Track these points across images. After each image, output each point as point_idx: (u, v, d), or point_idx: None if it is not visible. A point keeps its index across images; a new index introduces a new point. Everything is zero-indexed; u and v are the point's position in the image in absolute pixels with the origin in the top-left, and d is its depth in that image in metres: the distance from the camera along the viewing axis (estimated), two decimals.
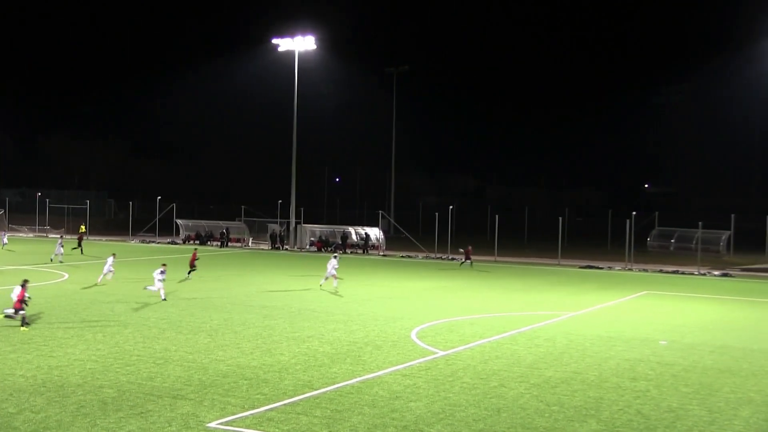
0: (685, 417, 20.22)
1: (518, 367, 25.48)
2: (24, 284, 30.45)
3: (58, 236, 70.79)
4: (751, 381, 24.58)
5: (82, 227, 76.32)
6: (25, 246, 74.52)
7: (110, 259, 45.77)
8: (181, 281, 46.54)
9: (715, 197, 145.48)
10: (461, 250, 66.02)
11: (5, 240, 72.20)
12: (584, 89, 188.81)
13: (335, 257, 46.32)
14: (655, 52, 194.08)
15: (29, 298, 30.56)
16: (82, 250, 64.88)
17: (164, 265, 39.87)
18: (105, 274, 44.96)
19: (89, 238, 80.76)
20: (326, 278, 45.73)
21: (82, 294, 40.43)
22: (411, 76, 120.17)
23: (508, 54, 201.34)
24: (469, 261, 63.94)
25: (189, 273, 48.65)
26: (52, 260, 57.72)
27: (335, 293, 43.30)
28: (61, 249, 58.35)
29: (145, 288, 39.80)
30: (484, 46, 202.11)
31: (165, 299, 38.01)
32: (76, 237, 70.23)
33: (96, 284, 43.97)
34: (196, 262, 49.38)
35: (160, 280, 38.62)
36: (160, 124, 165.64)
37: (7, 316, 29.83)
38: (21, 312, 29.74)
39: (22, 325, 29.59)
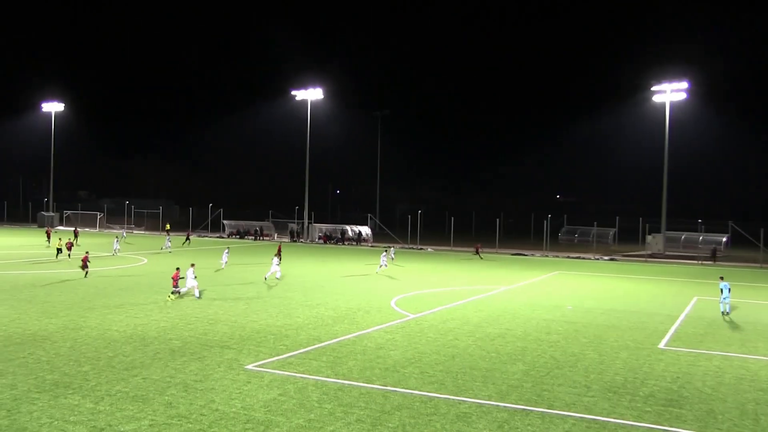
0: (583, 359, 20.48)
1: (467, 325, 25.64)
2: (178, 269, 30.90)
3: (165, 233, 69.65)
4: (627, 333, 24.88)
5: (168, 225, 76.25)
6: (135, 240, 74.10)
7: (226, 251, 45.86)
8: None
9: (606, 204, 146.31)
10: (474, 247, 65.60)
11: (124, 234, 73.09)
12: (514, 130, 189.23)
13: (386, 250, 45.84)
14: (565, 94, 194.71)
15: (182, 278, 30.90)
16: (189, 242, 66.23)
17: (278, 257, 38.86)
18: (223, 263, 44.51)
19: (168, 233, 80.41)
20: (381, 266, 44.29)
21: (159, 275, 40.31)
22: (391, 117, 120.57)
23: (464, 100, 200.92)
24: (478, 255, 59.56)
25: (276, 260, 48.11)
26: (162, 249, 57.25)
27: (389, 276, 42.86)
28: (168, 243, 57.48)
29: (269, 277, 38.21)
30: (446, 95, 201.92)
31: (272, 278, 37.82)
32: (184, 234, 70.54)
33: (220, 269, 43.24)
34: (282, 253, 48.81)
35: (277, 264, 38.35)
36: (212, 151, 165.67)
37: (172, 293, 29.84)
38: (176, 288, 29.82)
39: (172, 293, 29.66)
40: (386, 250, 45.57)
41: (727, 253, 69.58)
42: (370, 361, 19.34)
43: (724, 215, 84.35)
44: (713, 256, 63.43)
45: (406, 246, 72.36)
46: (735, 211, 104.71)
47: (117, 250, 53.08)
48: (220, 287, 34.59)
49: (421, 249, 70.29)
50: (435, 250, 69.99)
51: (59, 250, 48.52)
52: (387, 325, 25.25)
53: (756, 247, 62.95)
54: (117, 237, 58.05)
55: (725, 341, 23.91)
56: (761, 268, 57.17)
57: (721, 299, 29.60)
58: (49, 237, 62.77)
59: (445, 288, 37.56)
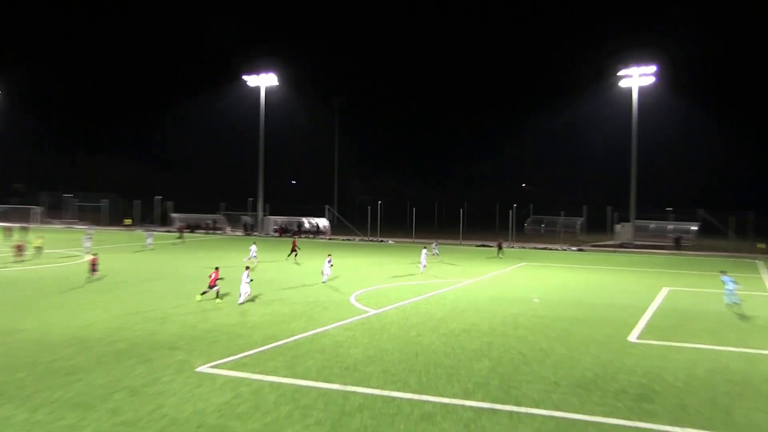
0: (552, 354, 20.64)
1: (431, 321, 25.67)
2: (217, 269, 30.41)
3: (143, 230, 67.86)
4: (597, 326, 25.19)
5: (130, 220, 74.62)
6: (101, 236, 72.51)
7: (253, 247, 46.24)
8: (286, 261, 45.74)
9: (572, 194, 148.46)
10: (496, 244, 65.61)
11: (91, 231, 61.70)
12: (478, 118, 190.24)
13: (426, 247, 44.71)
14: (530, 81, 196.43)
15: (222, 279, 30.50)
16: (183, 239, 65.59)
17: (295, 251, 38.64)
18: (251, 258, 44.70)
19: (105, 229, 78.90)
20: (422, 266, 41.96)
21: (122, 273, 39.48)
22: (349, 104, 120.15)
23: (424, 89, 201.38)
24: (501, 251, 54.73)
25: (293, 255, 48.11)
26: (145, 247, 54.47)
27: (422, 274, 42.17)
28: (150, 240, 54.93)
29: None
30: (405, 82, 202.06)
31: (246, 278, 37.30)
32: (176, 230, 69.58)
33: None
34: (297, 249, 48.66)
35: (330, 265, 37.18)
36: (160, 141, 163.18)
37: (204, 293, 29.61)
38: (215, 288, 29.30)
39: (217, 297, 29.23)
40: (426, 247, 43.08)
41: (697, 242, 71.11)
42: (329, 360, 19.21)
43: (694, 203, 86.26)
44: (677, 245, 64.74)
45: (366, 239, 72.30)
46: (705, 199, 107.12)
47: (87, 249, 50.28)
48: (171, 283, 34.04)
49: (381, 242, 70.28)
50: (396, 242, 70.04)
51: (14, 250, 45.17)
52: (347, 321, 25.14)
53: (726, 236, 64.49)
54: (86, 234, 56.23)
55: (696, 333, 24.36)
56: (730, 256, 58.56)
57: (726, 291, 29.96)
58: None
59: (407, 282, 37.56)
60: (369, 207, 75.21)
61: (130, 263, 43.92)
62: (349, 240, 72.68)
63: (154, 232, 63.86)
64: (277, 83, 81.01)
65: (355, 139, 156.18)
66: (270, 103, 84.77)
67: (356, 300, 30.42)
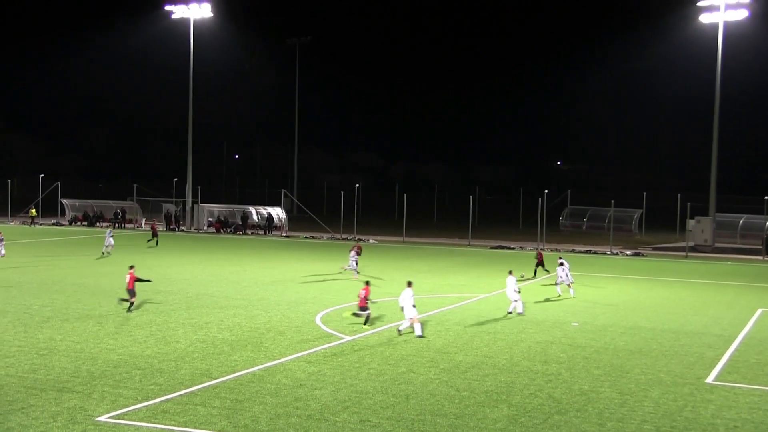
0: (596, 399, 20.73)
1: (427, 351, 25.69)
2: (368, 283, 30.97)
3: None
4: (660, 361, 25.33)
5: (33, 211, 74.71)
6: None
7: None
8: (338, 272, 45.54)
9: (626, 175, 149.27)
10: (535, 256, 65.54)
11: None
12: (494, 65, 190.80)
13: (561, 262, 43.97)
14: (564, 31, 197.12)
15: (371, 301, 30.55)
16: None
17: None
18: (106, 247, 46.38)
19: None
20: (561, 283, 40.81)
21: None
22: (314, 48, 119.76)
23: (417, 30, 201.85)
24: (541, 266, 49.78)
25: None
26: (104, 251, 53.69)
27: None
28: (111, 240, 53.13)
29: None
30: (393, 19, 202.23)
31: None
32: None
33: None
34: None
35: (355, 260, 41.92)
36: (46, 97, 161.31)
37: (355, 314, 30.11)
38: (366, 312, 29.83)
39: (364, 323, 29.65)
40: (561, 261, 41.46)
41: None
42: (285, 406, 19.18)
43: None
44: (766, 247, 65.15)
45: (338, 236, 72.34)
46: None
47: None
48: (57, 297, 33.86)
49: (360, 240, 70.32)
50: (379, 241, 70.11)
51: None
52: (310, 351, 25.11)
53: None
54: None
55: None
56: None
57: None
58: None
59: (394, 297, 37.47)
60: (342, 192, 75.14)
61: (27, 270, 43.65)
62: (313, 238, 72.65)
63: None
64: (212, 15, 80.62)
65: (324, 97, 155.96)
66: (203, 45, 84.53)
67: (323, 322, 30.34)
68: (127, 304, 31.40)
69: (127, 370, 22.13)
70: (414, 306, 28.27)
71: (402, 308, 28.37)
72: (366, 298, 29.74)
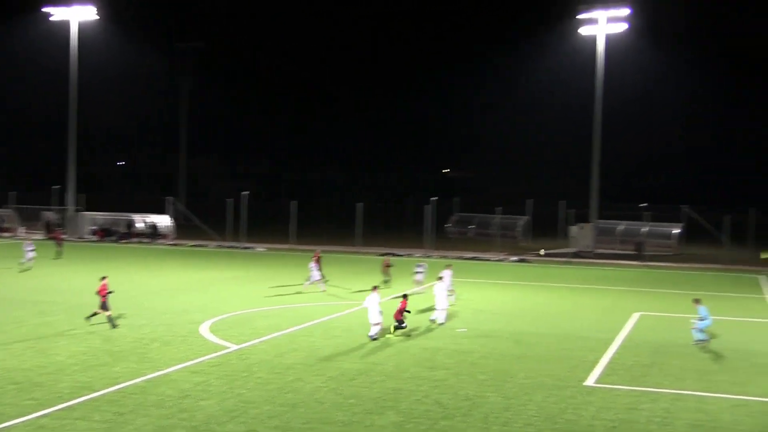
0: (481, 404, 21.01)
1: (315, 359, 25.69)
2: (405, 296, 30.95)
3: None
4: (544, 365, 25.85)
5: None
6: None
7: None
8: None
9: (512, 182, 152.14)
10: (541, 251, 65.98)
11: None
12: (383, 73, 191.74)
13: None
14: (451, 41, 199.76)
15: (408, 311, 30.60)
16: None
17: None
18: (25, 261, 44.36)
19: None
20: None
21: None
22: (204, 54, 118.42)
23: (308, 36, 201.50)
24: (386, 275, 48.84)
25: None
26: (23, 262, 51.00)
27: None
28: (31, 251, 50.58)
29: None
30: (283, 25, 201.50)
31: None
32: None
33: None
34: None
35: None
36: None
37: (397, 327, 30.08)
38: (403, 324, 30.02)
39: (395, 331, 29.97)
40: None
41: (680, 250, 73.96)
42: (169, 418, 18.93)
43: (677, 198, 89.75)
44: (639, 253, 67.13)
45: (225, 244, 71.67)
46: (691, 193, 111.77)
47: None
48: None
49: (247, 248, 69.82)
50: (268, 249, 69.75)
51: None
52: (196, 361, 24.88)
53: (720, 242, 67.27)
54: None
55: (676, 374, 25.35)
56: (724, 269, 61.17)
57: (695, 324, 30.50)
58: None
59: (282, 305, 37.42)
60: (231, 199, 74.46)
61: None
62: (201, 246, 71.79)
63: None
64: (96, 17, 78.84)
65: (214, 104, 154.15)
66: (87, 48, 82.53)
67: (210, 331, 30.07)
68: (96, 318, 30.19)
69: (1, 385, 21.45)
70: (380, 312, 29.23)
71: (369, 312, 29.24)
72: (402, 311, 30.04)
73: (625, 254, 69.48)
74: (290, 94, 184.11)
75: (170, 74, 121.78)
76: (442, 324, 32.79)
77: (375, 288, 30.32)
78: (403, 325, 30.16)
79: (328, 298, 40.09)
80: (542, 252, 62.84)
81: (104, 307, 30.07)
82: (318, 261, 44.82)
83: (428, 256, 65.79)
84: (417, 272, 44.15)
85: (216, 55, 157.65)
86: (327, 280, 44.87)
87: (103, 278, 30.84)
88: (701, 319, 29.70)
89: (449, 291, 38.21)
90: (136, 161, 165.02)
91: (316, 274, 42.57)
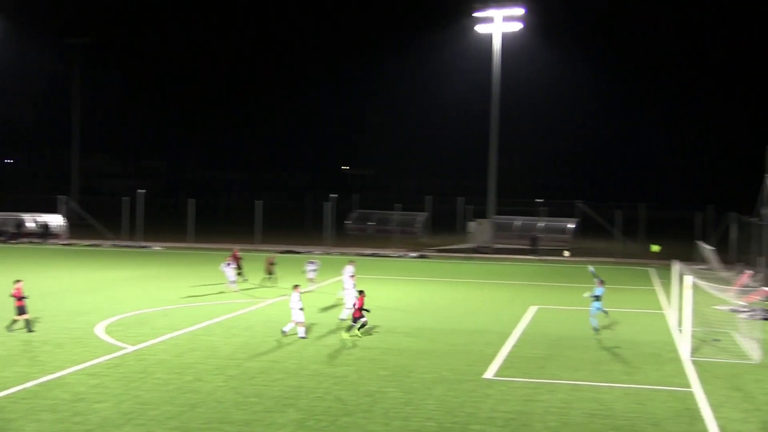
0: (382, 400, 21.10)
1: (215, 358, 25.46)
2: (362, 293, 29.91)
3: None
4: (444, 360, 26.12)
5: None
6: None
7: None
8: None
9: (411, 179, 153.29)
10: (566, 253, 65.17)
11: None
12: (281, 71, 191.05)
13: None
14: (349, 38, 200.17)
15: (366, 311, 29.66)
16: None
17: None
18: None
19: None
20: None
21: None
22: (96, 49, 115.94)
23: (204, 33, 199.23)
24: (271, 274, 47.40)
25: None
26: None
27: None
28: None
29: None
30: (178, 22, 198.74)
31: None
32: None
33: None
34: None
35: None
36: None
37: (352, 327, 29.39)
38: (362, 319, 29.24)
39: (359, 329, 29.30)
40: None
41: (575, 244, 75.51)
42: (62, 422, 18.54)
43: (572, 193, 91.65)
44: (534, 247, 68.46)
45: (121, 243, 70.42)
46: (585, 189, 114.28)
47: None
48: None
49: (144, 247, 68.73)
50: (166, 248, 68.79)
51: None
52: (91, 363, 24.42)
53: (613, 236, 68.92)
54: None
55: (572, 365, 25.90)
56: (617, 262, 62.71)
57: (591, 308, 31.27)
58: None
59: (181, 304, 36.98)
60: (127, 198, 73.16)
61: None
62: (95, 246, 70.36)
63: None
64: None
65: (107, 100, 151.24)
66: None
67: (106, 332, 29.55)
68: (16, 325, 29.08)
69: None
70: (301, 309, 28.83)
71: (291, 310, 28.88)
72: (360, 308, 29.35)
73: (522, 249, 70.63)
74: (187, 92, 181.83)
75: (61, 70, 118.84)
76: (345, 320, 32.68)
77: (296, 287, 29.76)
78: (363, 319, 29.48)
79: (230, 296, 39.69)
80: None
81: (21, 311, 29.04)
82: (237, 260, 44.63)
83: (328, 254, 65.75)
84: (309, 270, 43.86)
85: (107, 51, 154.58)
86: (246, 279, 44.78)
87: (17, 281, 29.74)
88: (596, 298, 30.50)
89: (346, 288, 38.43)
90: (26, 159, 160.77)
91: (230, 274, 41.64)
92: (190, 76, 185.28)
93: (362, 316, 29.53)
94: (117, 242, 70.99)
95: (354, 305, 29.94)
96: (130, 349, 26.72)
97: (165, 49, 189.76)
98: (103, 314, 33.42)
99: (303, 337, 28.89)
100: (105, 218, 79.00)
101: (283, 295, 40.47)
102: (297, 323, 29.07)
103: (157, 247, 68.95)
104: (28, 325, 29.16)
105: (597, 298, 31.04)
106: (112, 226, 76.24)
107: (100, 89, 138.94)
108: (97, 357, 25.34)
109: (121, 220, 73.40)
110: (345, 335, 29.22)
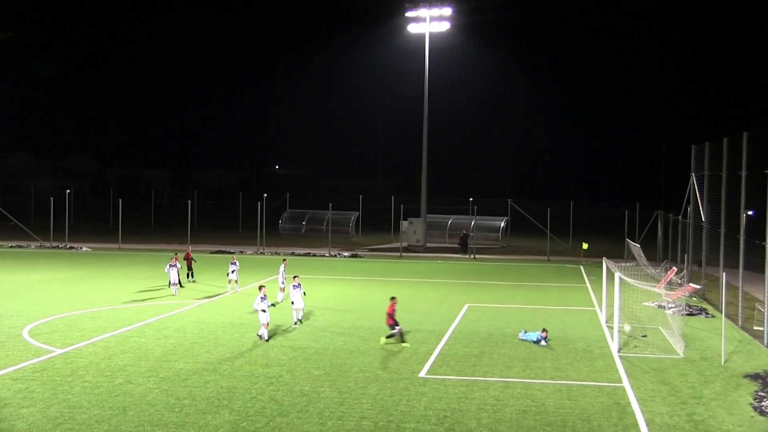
0: (317, 400, 21.13)
1: (146, 360, 25.22)
2: (393, 299, 29.85)
3: None
4: (378, 359, 26.24)
5: None
6: None
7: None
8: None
9: (343, 179, 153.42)
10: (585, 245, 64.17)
11: None
12: (212, 71, 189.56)
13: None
14: (281, 38, 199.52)
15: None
16: None
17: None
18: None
19: None
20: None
21: None
22: (15, 45, 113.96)
23: (131, 29, 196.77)
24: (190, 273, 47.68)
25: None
26: None
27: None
28: None
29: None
30: (101, 16, 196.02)
31: None
32: None
33: None
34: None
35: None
36: None
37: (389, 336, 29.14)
38: (397, 327, 28.99)
39: (387, 337, 29.03)
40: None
41: (506, 243, 76.32)
42: None
43: (503, 192, 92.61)
44: (463, 246, 69.05)
45: (48, 244, 69.28)
46: (516, 186, 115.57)
47: None
48: None
49: (72, 248, 67.68)
50: (93, 248, 67.83)
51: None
52: (17, 367, 24.08)
53: (543, 234, 69.77)
54: None
55: (504, 363, 26.17)
56: (547, 261, 63.54)
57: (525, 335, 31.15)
58: None
59: (110, 306, 36.53)
60: (52, 198, 71.97)
61: None
62: (20, 247, 69.10)
63: None
64: None
65: (31, 97, 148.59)
66: None
67: (31, 335, 29.11)
68: None
69: None
70: (264, 311, 28.52)
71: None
72: (392, 315, 29.10)
73: (454, 247, 71.12)
74: (115, 90, 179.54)
75: None
76: (299, 322, 32.51)
77: (261, 287, 29.62)
78: (396, 329, 29.15)
79: (161, 297, 39.29)
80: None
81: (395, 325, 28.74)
82: (189, 260, 45.55)
83: (261, 253, 65.49)
84: (230, 270, 43.15)
85: (29, 47, 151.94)
86: (194, 281, 45.22)
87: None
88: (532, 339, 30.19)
89: (281, 286, 38.36)
90: None
91: (174, 276, 40.86)
92: (118, 73, 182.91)
93: (395, 325, 29.19)
94: (43, 244, 69.80)
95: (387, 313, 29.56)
96: (58, 352, 26.33)
97: (87, 46, 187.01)
98: (29, 317, 32.86)
99: (265, 340, 28.59)
100: (30, 219, 77.73)
101: (214, 296, 40.25)
102: (262, 324, 28.85)
103: (85, 248, 67.96)
104: None
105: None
106: (38, 227, 74.99)
107: (22, 87, 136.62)
108: (23, 361, 24.93)
109: (50, 221, 72.12)
110: (383, 341, 29.10)
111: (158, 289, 42.34)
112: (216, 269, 51.25)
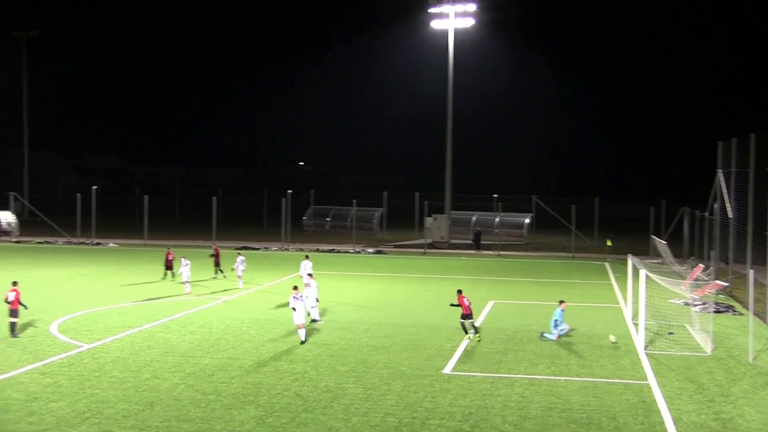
0: (342, 396, 21.17)
1: (172, 356, 25.34)
2: (460, 291, 30.15)
3: None
4: (402, 355, 26.21)
5: None
6: None
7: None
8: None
9: (368, 175, 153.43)
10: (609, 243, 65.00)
11: None
12: (233, 69, 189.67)
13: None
14: (303, 36, 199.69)
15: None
16: None
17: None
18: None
19: None
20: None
21: None
22: (43, 43, 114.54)
23: (154, 28, 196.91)
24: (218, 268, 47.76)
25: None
26: None
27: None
28: None
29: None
30: (128, 16, 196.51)
31: None
32: None
33: None
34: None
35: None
36: None
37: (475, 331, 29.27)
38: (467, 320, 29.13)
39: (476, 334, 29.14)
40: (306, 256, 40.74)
41: (530, 239, 76.09)
42: (16, 422, 18.38)
43: (527, 188, 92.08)
44: (477, 243, 68.96)
45: (75, 240, 69.73)
46: (540, 183, 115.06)
47: None
48: None
49: (98, 244, 68.12)
50: (120, 244, 68.21)
51: None
52: (45, 362, 24.21)
53: (567, 230, 69.51)
54: None
55: (529, 360, 26.12)
56: (572, 257, 63.29)
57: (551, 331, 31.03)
58: None
59: (136, 301, 36.70)
60: (78, 195, 72.37)
61: None
62: (48, 243, 69.61)
63: None
64: None
65: (57, 94, 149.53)
66: None
67: (60, 331, 29.28)
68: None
69: None
70: (294, 309, 28.07)
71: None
72: (467, 306, 29.19)
73: (462, 243, 71.15)
74: (137, 88, 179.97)
75: (6, 65, 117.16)
76: (316, 321, 32.41)
77: (296, 288, 29.20)
78: (469, 320, 29.28)
79: (183, 293, 39.45)
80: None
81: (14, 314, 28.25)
82: (217, 256, 46.18)
83: (285, 250, 65.62)
84: (237, 266, 42.88)
85: (55, 46, 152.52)
86: (225, 276, 45.55)
87: (14, 283, 29.10)
88: (555, 323, 30.12)
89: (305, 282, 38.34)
90: None
91: (186, 274, 40.54)
92: (140, 72, 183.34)
93: (468, 317, 29.22)
94: (70, 239, 70.27)
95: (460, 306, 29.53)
96: (85, 347, 26.51)
97: (113, 45, 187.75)
98: (57, 312, 33.08)
99: (301, 342, 28.00)
100: (57, 215, 78.18)
101: (238, 292, 40.39)
102: (297, 326, 28.41)
103: (111, 244, 68.37)
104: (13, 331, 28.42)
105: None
106: (65, 223, 75.50)
107: (49, 85, 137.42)
108: (52, 356, 25.11)
109: (76, 217, 72.54)
110: (474, 337, 29.15)
111: (183, 285, 42.50)
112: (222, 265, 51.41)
